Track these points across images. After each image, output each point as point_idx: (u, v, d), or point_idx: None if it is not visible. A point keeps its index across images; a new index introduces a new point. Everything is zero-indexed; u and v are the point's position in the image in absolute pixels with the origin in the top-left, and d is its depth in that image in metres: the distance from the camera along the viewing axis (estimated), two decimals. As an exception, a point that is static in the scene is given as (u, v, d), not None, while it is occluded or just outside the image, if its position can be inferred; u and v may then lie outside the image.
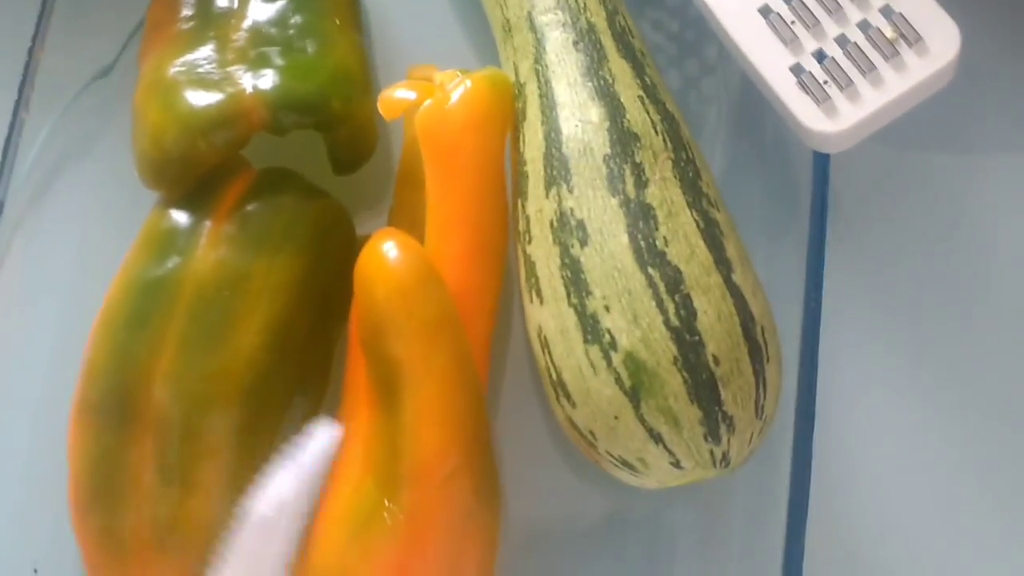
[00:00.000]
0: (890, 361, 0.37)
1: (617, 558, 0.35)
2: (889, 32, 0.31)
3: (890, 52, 0.31)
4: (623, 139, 0.31)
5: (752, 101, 0.39)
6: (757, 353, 0.29)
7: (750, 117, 0.39)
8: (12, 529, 0.34)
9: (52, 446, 0.32)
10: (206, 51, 0.35)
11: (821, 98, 0.31)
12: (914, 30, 0.31)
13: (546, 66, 0.33)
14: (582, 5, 0.33)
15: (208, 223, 0.34)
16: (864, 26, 0.32)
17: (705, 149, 0.39)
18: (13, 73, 0.36)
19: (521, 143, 0.33)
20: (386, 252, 0.32)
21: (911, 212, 0.39)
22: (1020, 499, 0.36)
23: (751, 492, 0.33)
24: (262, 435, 0.33)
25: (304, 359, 0.34)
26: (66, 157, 0.38)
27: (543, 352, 0.31)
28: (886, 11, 0.32)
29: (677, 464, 0.29)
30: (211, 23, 0.36)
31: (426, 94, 0.34)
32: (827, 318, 0.32)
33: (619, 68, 0.32)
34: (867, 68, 0.31)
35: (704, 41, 0.41)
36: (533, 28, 0.34)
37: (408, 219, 0.35)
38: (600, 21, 0.33)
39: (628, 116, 0.31)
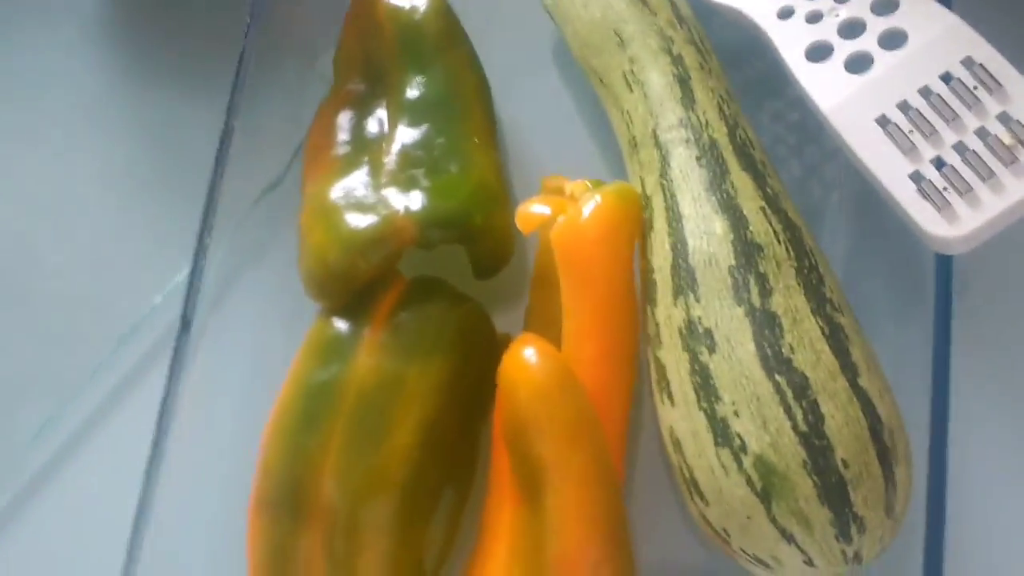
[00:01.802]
0: (1020, 458, 0.37)
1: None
2: (1007, 139, 0.32)
3: (1008, 158, 0.32)
4: (747, 250, 0.33)
5: (872, 191, 0.40)
6: (885, 455, 0.30)
7: (872, 202, 0.40)
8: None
9: (233, 533, 0.36)
10: (361, 175, 0.39)
11: (941, 204, 0.32)
12: (1032, 135, 0.32)
13: (671, 180, 0.35)
14: (704, 122, 0.36)
15: (366, 331, 0.37)
16: (982, 133, 0.33)
17: (827, 236, 0.40)
18: (191, 190, 0.41)
19: (649, 252, 0.35)
20: (527, 357, 0.34)
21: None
22: None
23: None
24: (416, 524, 0.36)
25: (453, 454, 0.37)
26: (240, 268, 0.43)
27: (675, 452, 0.33)
28: (1003, 118, 0.32)
29: (810, 563, 0.30)
30: (364, 148, 0.41)
31: (559, 208, 0.36)
32: (957, 406, 0.33)
33: (741, 181, 0.34)
34: (986, 174, 0.32)
35: (823, 130, 0.42)
36: (658, 145, 0.36)
37: (543, 318, 0.38)
38: (721, 136, 0.35)
39: (751, 227, 0.33)
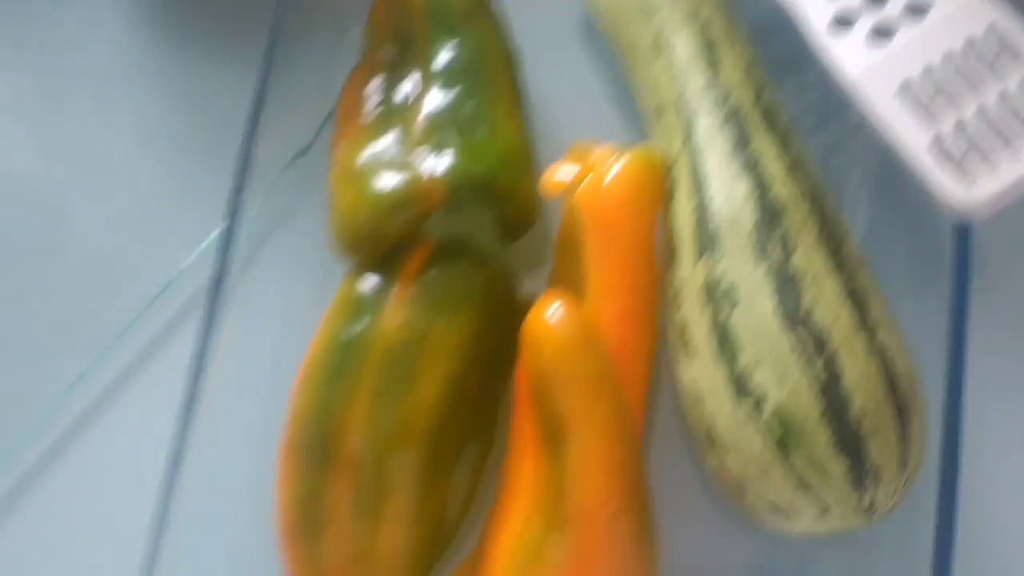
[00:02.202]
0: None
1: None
2: (1027, 104, 0.33)
3: (1028, 123, 0.33)
4: (769, 210, 0.33)
5: (894, 163, 0.41)
6: (902, 409, 0.31)
7: (892, 178, 0.41)
8: (227, 555, 0.38)
9: (263, 482, 0.37)
10: (390, 139, 0.40)
11: (960, 169, 0.33)
12: (1052, 102, 0.33)
13: (695, 144, 0.36)
14: (729, 87, 0.37)
15: (394, 289, 0.38)
16: (1003, 99, 0.33)
17: (848, 211, 0.41)
18: (221, 153, 0.42)
19: (672, 214, 0.36)
20: (552, 314, 0.35)
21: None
22: None
23: (897, 544, 0.35)
24: (440, 474, 0.37)
25: (476, 409, 0.38)
26: (271, 227, 0.44)
27: (694, 407, 0.33)
28: (1023, 84, 0.33)
29: (825, 511, 0.31)
30: (393, 113, 0.42)
31: (583, 173, 0.37)
32: (973, 374, 0.34)
33: (764, 144, 0.35)
34: (1007, 140, 0.33)
35: (846, 107, 0.43)
36: (683, 110, 0.37)
37: (567, 282, 0.39)
38: (747, 101, 0.36)
39: (774, 189, 0.34)
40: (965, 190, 0.33)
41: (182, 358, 0.39)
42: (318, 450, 0.37)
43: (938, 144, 0.33)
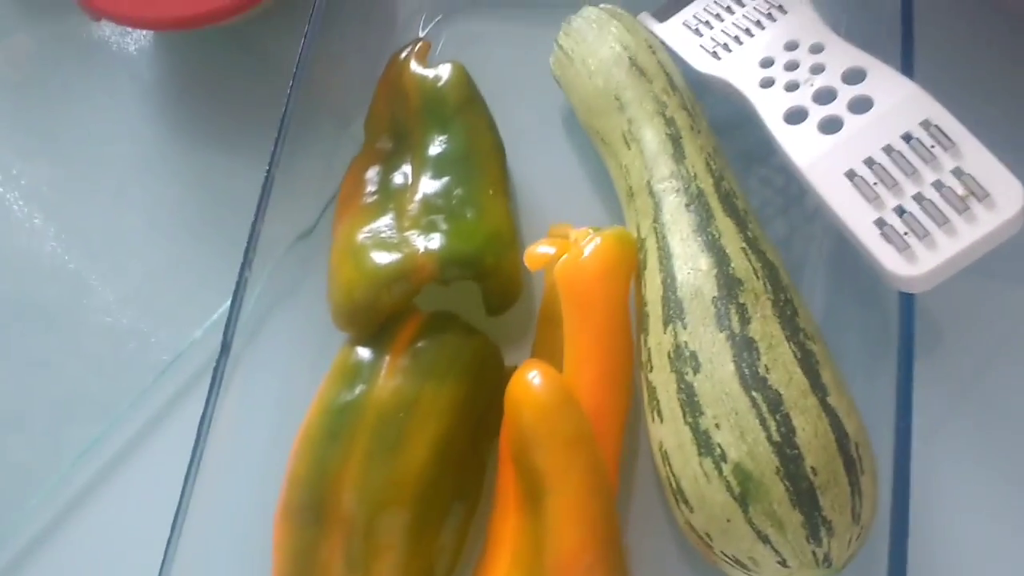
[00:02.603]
0: (984, 481, 0.40)
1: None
2: (960, 190, 0.36)
3: (961, 207, 0.36)
4: (728, 283, 0.37)
5: (847, 244, 0.44)
6: (852, 465, 0.33)
7: (847, 259, 0.44)
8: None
9: (262, 543, 0.39)
10: (386, 220, 0.44)
11: (902, 247, 0.36)
12: (981, 187, 0.36)
13: (663, 224, 0.39)
14: (692, 174, 0.40)
15: (387, 357, 0.41)
16: (938, 185, 0.37)
17: (806, 288, 0.44)
18: (233, 233, 0.45)
19: (643, 287, 0.39)
20: (531, 379, 0.38)
21: (1003, 342, 0.43)
22: None
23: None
24: (428, 534, 0.39)
25: (463, 470, 0.41)
26: (274, 304, 0.47)
27: (664, 464, 0.36)
28: (957, 172, 0.37)
29: (784, 563, 0.33)
30: (390, 196, 0.45)
31: (563, 249, 0.41)
32: (923, 444, 0.36)
33: (724, 225, 0.38)
34: (942, 221, 0.36)
35: (804, 194, 0.47)
36: (652, 194, 0.41)
37: (548, 352, 0.42)
38: (708, 186, 0.40)
39: (733, 264, 0.37)
40: (906, 266, 0.36)
41: (190, 426, 0.41)
42: (313, 510, 0.39)
43: (881, 225, 0.37)
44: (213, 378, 0.42)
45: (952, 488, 0.40)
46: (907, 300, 0.38)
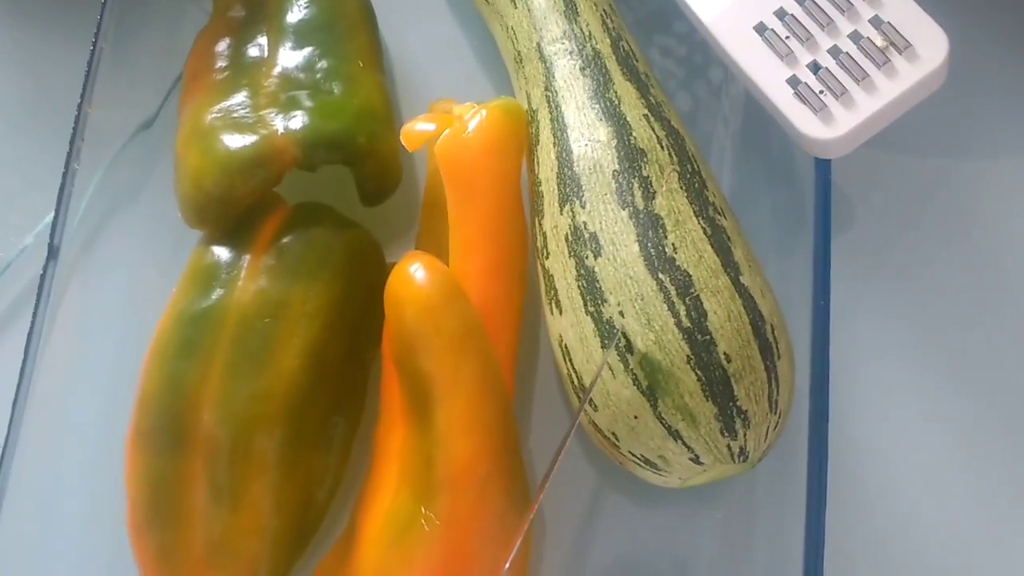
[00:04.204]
0: (901, 361, 0.38)
1: (642, 559, 0.36)
2: (879, 41, 0.33)
3: (881, 60, 0.33)
4: (630, 155, 0.32)
5: (758, 118, 0.41)
6: (768, 350, 0.30)
7: (756, 133, 0.41)
8: (75, 549, 0.36)
9: (111, 471, 0.35)
10: (240, 97, 0.38)
11: (818, 107, 0.33)
12: (903, 37, 0.33)
13: (556, 92, 0.35)
14: (587, 33, 0.36)
15: (247, 257, 0.36)
16: (855, 36, 0.33)
17: (714, 167, 0.41)
18: (64, 127, 0.39)
19: (536, 165, 0.35)
20: (413, 273, 0.34)
21: (920, 217, 0.40)
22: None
23: (772, 491, 0.35)
24: (303, 453, 0.35)
25: (341, 381, 0.36)
26: (115, 204, 0.41)
27: (564, 360, 0.32)
28: (875, 21, 0.33)
29: (697, 460, 0.30)
30: (244, 72, 0.39)
31: (445, 124, 0.36)
32: (839, 322, 0.34)
33: (624, 90, 0.34)
34: (860, 76, 0.33)
35: (710, 64, 0.43)
36: (542, 58, 0.36)
37: (434, 245, 0.37)
38: (604, 47, 0.35)
39: (634, 133, 0.33)
40: (823, 128, 0.32)
41: (22, 341, 0.35)
42: (169, 433, 0.34)
43: (794, 84, 0.33)
44: (40, 289, 0.36)
45: (869, 368, 0.38)
46: (822, 168, 0.35)
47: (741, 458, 0.31)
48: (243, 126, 0.37)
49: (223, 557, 0.34)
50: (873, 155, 0.41)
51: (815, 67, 0.33)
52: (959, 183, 0.41)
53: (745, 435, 0.30)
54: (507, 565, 0.30)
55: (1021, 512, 0.36)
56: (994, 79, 0.42)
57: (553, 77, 0.35)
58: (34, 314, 0.36)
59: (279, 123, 0.37)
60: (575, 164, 0.33)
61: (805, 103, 0.33)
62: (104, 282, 0.39)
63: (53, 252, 0.36)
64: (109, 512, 0.34)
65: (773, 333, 0.31)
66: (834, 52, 0.33)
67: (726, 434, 0.30)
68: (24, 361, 0.35)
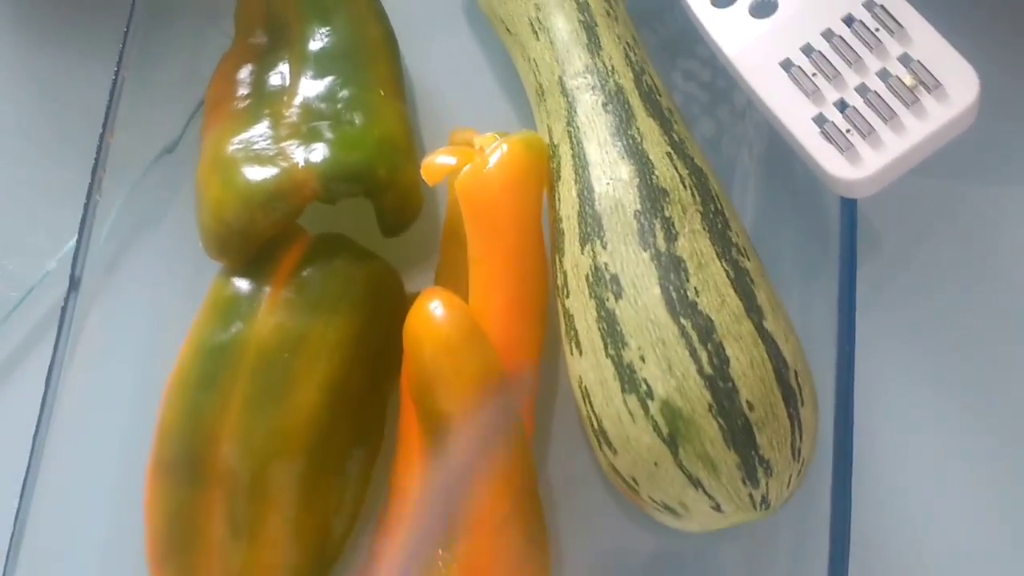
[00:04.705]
0: (928, 395, 0.37)
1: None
2: (908, 80, 0.32)
3: (910, 99, 0.32)
4: (652, 195, 0.32)
5: (782, 144, 0.40)
6: (791, 397, 0.30)
7: (781, 160, 0.40)
8: (96, 581, 0.36)
9: (131, 502, 0.35)
10: (261, 128, 0.38)
11: (844, 147, 0.32)
12: (933, 77, 0.32)
13: (577, 127, 0.34)
14: (610, 68, 0.35)
15: (268, 289, 0.36)
16: (884, 75, 0.33)
17: (737, 193, 0.40)
18: (88, 148, 0.39)
19: (557, 201, 0.35)
20: (432, 311, 0.33)
21: (944, 244, 0.40)
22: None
23: (795, 529, 0.34)
24: (323, 487, 0.35)
25: (360, 414, 0.36)
26: (137, 229, 0.41)
27: (584, 402, 0.32)
28: (904, 59, 0.33)
29: (717, 508, 0.30)
30: (265, 101, 0.39)
31: (466, 158, 0.35)
32: (864, 357, 0.33)
33: (647, 127, 0.34)
34: (888, 116, 0.32)
35: (734, 88, 0.42)
36: (564, 92, 0.35)
37: (454, 276, 0.37)
38: (627, 83, 0.35)
39: (656, 172, 0.33)
40: (849, 168, 0.32)
41: (44, 368, 0.36)
42: (188, 465, 0.34)
43: (820, 123, 0.33)
44: (62, 318, 0.36)
45: (895, 414, 0.37)
46: (848, 207, 0.34)
47: (763, 507, 0.30)
48: (264, 158, 0.37)
49: (241, 591, 0.34)
50: (898, 181, 0.40)
51: (842, 105, 0.33)
52: (983, 210, 0.40)
53: (767, 484, 0.30)
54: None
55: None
56: (1021, 105, 0.41)
57: (575, 112, 0.35)
58: (55, 346, 0.36)
59: (300, 155, 0.36)
60: (596, 203, 0.33)
61: (831, 142, 0.32)
62: (125, 308, 0.39)
63: (74, 283, 0.36)
64: (129, 543, 0.34)
65: (797, 380, 0.30)
66: (862, 90, 0.33)
67: (748, 483, 0.29)
68: (45, 390, 0.35)
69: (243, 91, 0.40)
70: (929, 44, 0.32)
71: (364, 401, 0.36)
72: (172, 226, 0.41)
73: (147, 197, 0.41)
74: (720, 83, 0.43)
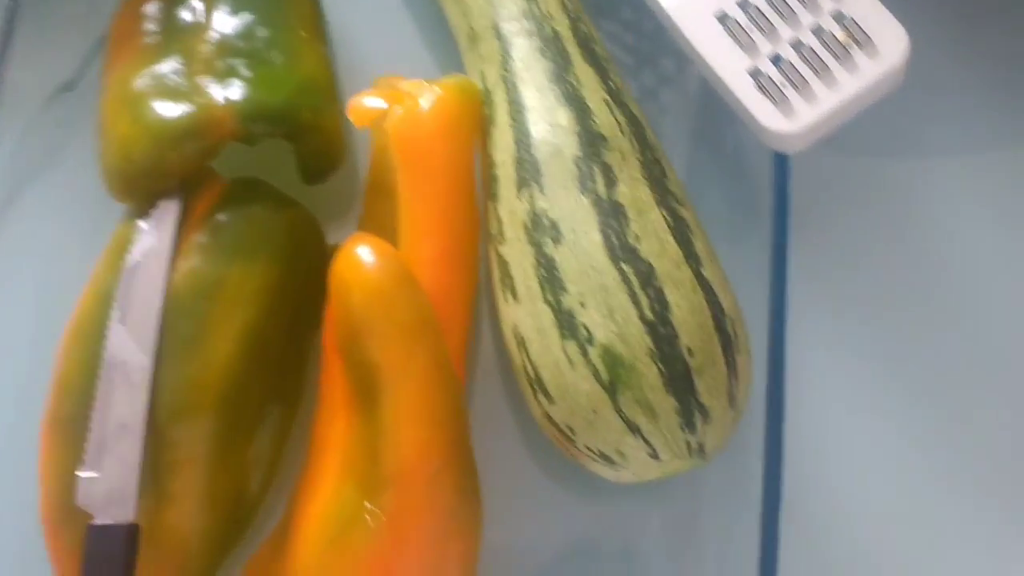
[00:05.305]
0: (853, 358, 0.38)
1: (592, 557, 0.35)
2: (841, 35, 0.33)
3: (842, 54, 0.32)
4: (591, 141, 0.32)
5: (710, 111, 0.40)
6: (728, 344, 0.30)
7: (709, 127, 0.40)
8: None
9: (24, 461, 0.32)
10: (173, 63, 0.35)
11: (778, 99, 0.32)
12: (864, 33, 0.32)
13: (513, 72, 0.34)
14: (546, 13, 0.34)
15: (179, 233, 0.34)
16: (817, 30, 0.33)
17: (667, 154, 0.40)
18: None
19: (491, 146, 0.34)
20: (362, 256, 0.32)
21: (869, 216, 0.41)
22: (981, 485, 0.37)
23: (724, 488, 0.34)
24: (236, 444, 0.33)
25: (279, 367, 0.34)
26: (31, 173, 0.38)
27: (519, 350, 0.31)
28: (837, 16, 0.33)
29: (654, 455, 0.30)
30: (176, 36, 0.37)
31: (395, 102, 0.34)
32: (790, 319, 0.33)
33: (584, 73, 0.33)
34: (821, 69, 0.32)
35: (661, 53, 0.42)
36: (499, 36, 0.35)
37: (379, 227, 0.36)
38: (564, 29, 0.34)
39: (595, 118, 0.32)
40: (783, 121, 0.32)
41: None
42: (86, 420, 0.32)
43: (755, 75, 0.33)
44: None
45: (820, 362, 0.38)
46: (780, 163, 0.34)
47: (698, 454, 0.30)
48: (177, 94, 0.34)
49: (148, 552, 0.32)
50: (821, 155, 0.41)
51: (776, 59, 0.33)
52: (907, 182, 0.42)
53: (704, 430, 0.30)
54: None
55: (970, 494, 0.37)
56: (943, 80, 0.42)
57: (511, 57, 0.34)
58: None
59: (216, 92, 0.34)
60: (534, 148, 0.32)
61: (766, 95, 0.32)
62: (20, 254, 0.36)
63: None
64: (22, 504, 0.32)
65: (734, 327, 0.30)
66: (796, 45, 0.33)
67: (686, 429, 0.29)
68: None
69: (151, 26, 0.37)
70: (862, 2, 0.33)
71: (283, 355, 0.35)
72: (71, 168, 0.38)
73: (43, 137, 0.38)
74: (645, 47, 0.42)
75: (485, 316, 0.36)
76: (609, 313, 0.29)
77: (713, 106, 0.38)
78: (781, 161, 0.34)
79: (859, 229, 0.40)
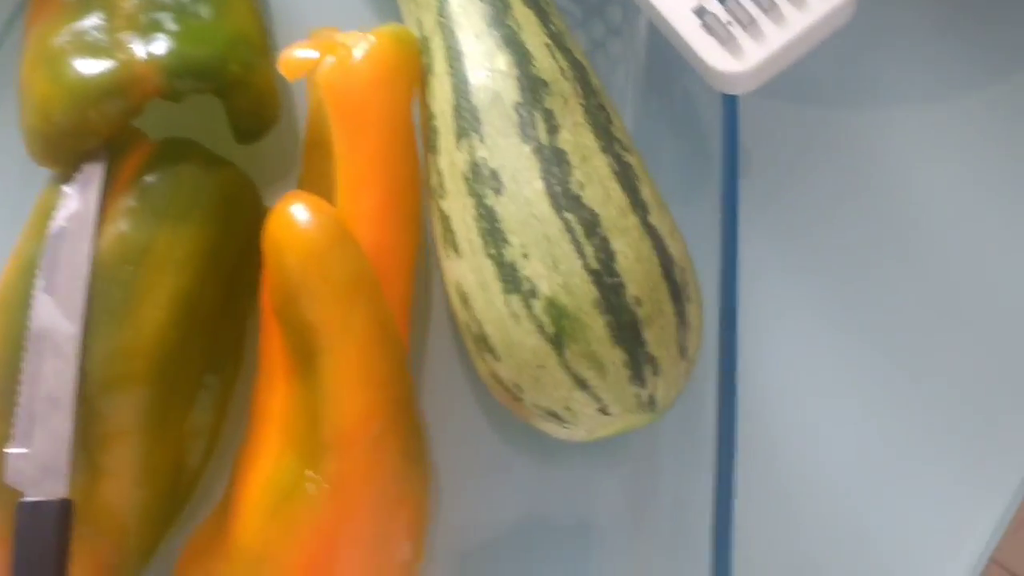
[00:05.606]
0: (807, 307, 0.37)
1: (544, 516, 0.34)
2: (788, -29, 0.31)
3: (790, -10, 0.31)
4: (532, 86, 0.30)
5: (660, 62, 0.39)
6: (677, 293, 0.29)
7: (658, 78, 0.39)
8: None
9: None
10: (94, 19, 0.34)
11: (725, 38, 0.31)
12: (812, -33, 0.31)
13: (450, 17, 0.32)
14: (483, -43, 0.33)
15: (104, 197, 0.32)
16: (764, -33, 0.32)
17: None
18: None
19: (429, 97, 0.32)
20: (296, 215, 0.30)
21: (822, 166, 0.40)
22: (936, 435, 0.37)
23: (681, 441, 0.33)
24: (173, 415, 0.32)
25: (214, 335, 0.33)
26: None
27: (463, 307, 0.30)
28: (784, -49, 0.32)
29: (604, 410, 0.29)
30: (99, -9, 0.35)
31: (329, 52, 0.33)
32: (742, 268, 0.33)
33: (524, 16, 0.32)
34: (768, 6, 0.31)
35: (608, 3, 0.41)
36: (435, -18, 0.33)
37: (317, 187, 0.34)
38: (502, -29, 0.33)
39: (536, 63, 0.31)
40: (731, 61, 0.31)
41: None
42: (14, 395, 0.30)
43: (701, 14, 0.31)
44: None
45: (773, 316, 0.37)
46: (729, 105, 0.33)
47: (650, 407, 0.29)
48: (98, 50, 0.32)
49: (83, 529, 0.30)
50: (773, 106, 0.40)
51: (723, -3, 0.32)
52: (861, 132, 0.41)
53: (655, 383, 0.29)
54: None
55: (922, 450, 0.36)
56: (895, 26, 0.41)
57: (447, 2, 0.32)
58: None
59: (139, 47, 0.33)
60: (473, 95, 0.30)
61: (712, 34, 0.31)
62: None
63: None
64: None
65: (683, 276, 0.29)
66: (742, -18, 0.32)
67: (635, 382, 0.28)
68: None
69: (72, -18, 0.35)
70: (808, -64, 0.32)
71: (219, 323, 0.33)
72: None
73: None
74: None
75: (436, 276, 0.35)
76: (553, 264, 0.28)
77: (663, 56, 0.37)
78: (730, 103, 0.33)
79: (813, 179, 0.40)
